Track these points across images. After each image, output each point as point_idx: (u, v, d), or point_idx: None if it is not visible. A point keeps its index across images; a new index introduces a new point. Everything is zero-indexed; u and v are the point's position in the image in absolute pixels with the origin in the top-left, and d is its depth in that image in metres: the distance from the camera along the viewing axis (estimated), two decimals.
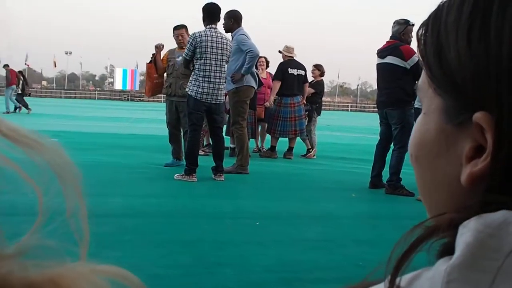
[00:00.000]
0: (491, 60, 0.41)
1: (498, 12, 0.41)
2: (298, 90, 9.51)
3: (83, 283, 0.33)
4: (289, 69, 9.38)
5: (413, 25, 6.49)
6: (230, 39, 7.10)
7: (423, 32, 0.49)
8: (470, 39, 0.42)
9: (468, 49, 0.42)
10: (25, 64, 68.94)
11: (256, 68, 9.99)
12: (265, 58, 10.19)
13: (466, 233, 0.39)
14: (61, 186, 0.35)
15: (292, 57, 9.60)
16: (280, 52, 9.76)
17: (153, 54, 7.93)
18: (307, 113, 9.99)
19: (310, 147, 10.11)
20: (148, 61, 8.02)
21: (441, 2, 0.48)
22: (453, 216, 0.42)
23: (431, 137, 0.48)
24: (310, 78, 10.34)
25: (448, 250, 0.40)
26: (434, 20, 0.47)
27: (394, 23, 6.57)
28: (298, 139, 10.12)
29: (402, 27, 6.45)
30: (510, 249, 0.36)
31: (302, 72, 9.56)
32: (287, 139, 9.86)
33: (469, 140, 0.43)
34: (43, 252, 0.34)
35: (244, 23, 7.39)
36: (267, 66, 10.39)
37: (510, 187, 0.41)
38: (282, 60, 9.69)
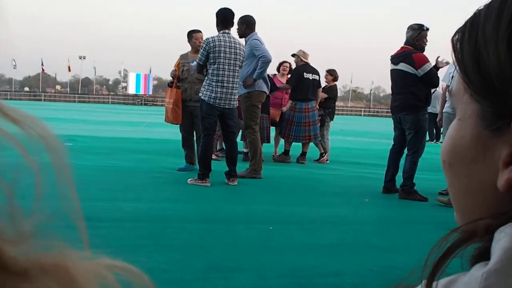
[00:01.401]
0: None
1: None
2: (312, 95, 9.51)
3: (93, 276, 0.34)
4: (304, 73, 9.38)
5: (427, 29, 6.46)
6: (244, 44, 7.12)
7: (459, 38, 0.49)
8: (511, 47, 0.43)
9: (509, 58, 0.43)
10: (42, 69, 69.67)
11: (278, 71, 10.03)
12: (289, 64, 10.22)
13: (503, 238, 0.39)
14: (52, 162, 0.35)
15: (307, 62, 9.61)
16: (293, 55, 9.76)
17: (171, 82, 7.91)
18: (320, 118, 9.98)
19: (323, 151, 10.09)
20: (170, 87, 7.94)
21: (478, 10, 0.48)
22: (490, 222, 0.42)
23: (467, 143, 0.48)
24: (323, 83, 10.35)
25: (482, 255, 0.41)
26: (471, 27, 0.48)
27: (408, 28, 6.55)
28: (311, 144, 10.11)
29: (416, 33, 6.43)
30: None
31: (317, 77, 9.56)
32: (300, 143, 9.87)
33: (507, 145, 0.44)
34: (45, 235, 0.34)
35: (256, 26, 7.42)
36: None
37: None
38: (295, 64, 9.73)
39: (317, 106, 9.73)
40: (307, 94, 9.41)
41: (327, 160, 10.01)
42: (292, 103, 9.54)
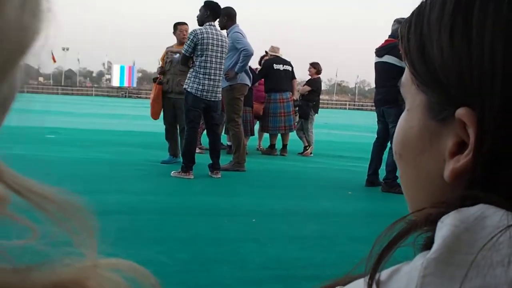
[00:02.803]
0: (473, 58, 0.42)
1: (480, 10, 0.42)
2: (286, 85, 9.55)
3: (107, 283, 0.33)
4: (274, 64, 9.44)
5: None
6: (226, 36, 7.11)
7: (406, 29, 0.49)
8: (453, 37, 0.43)
9: (451, 47, 0.43)
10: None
11: (260, 64, 10.00)
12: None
13: (443, 227, 0.39)
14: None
15: (277, 55, 9.68)
16: (266, 52, 9.90)
17: (156, 78, 7.90)
18: (297, 109, 10.02)
19: (307, 144, 10.12)
20: (155, 82, 7.97)
21: (424, 0, 0.48)
22: (431, 211, 0.42)
23: (415, 134, 0.48)
24: (306, 76, 10.40)
25: (430, 244, 0.41)
26: (417, 17, 0.48)
27: (394, 21, 6.58)
28: (294, 136, 10.15)
29: None
30: (484, 243, 0.37)
31: (289, 68, 9.61)
32: (282, 137, 9.92)
33: (452, 136, 0.44)
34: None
35: (240, 22, 7.40)
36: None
37: (491, 182, 0.42)
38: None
39: (293, 97, 9.77)
40: (280, 84, 9.44)
41: (311, 153, 10.04)
42: (267, 95, 9.58)
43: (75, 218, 0.33)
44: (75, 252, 0.34)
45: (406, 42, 0.49)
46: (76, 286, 0.31)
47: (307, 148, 10.09)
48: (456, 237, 0.38)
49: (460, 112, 0.42)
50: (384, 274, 0.41)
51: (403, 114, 0.51)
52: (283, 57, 9.81)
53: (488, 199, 0.40)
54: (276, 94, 9.49)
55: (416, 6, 0.49)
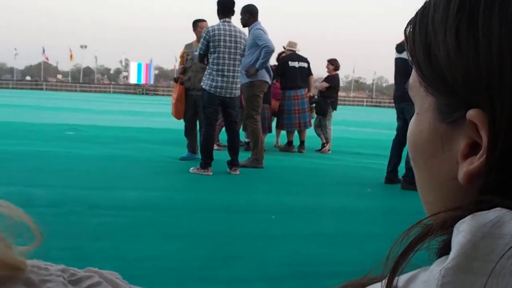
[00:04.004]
0: (481, 59, 0.41)
1: (485, 11, 0.41)
2: (302, 82, 9.55)
3: None
4: (289, 62, 9.45)
5: None
6: (247, 33, 7.11)
7: (411, 30, 0.48)
8: (459, 38, 0.42)
9: (458, 48, 0.42)
10: (45, 58, 69.57)
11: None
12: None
13: (460, 233, 0.38)
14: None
15: (294, 51, 9.67)
16: (284, 48, 9.88)
17: (178, 78, 7.93)
18: (314, 105, 10.01)
19: (325, 141, 10.10)
20: (176, 81, 8.00)
21: (428, 0, 0.47)
22: (447, 215, 0.41)
23: (425, 138, 0.48)
24: (324, 73, 10.36)
25: (446, 248, 0.40)
26: (421, 18, 0.47)
27: None
28: (312, 133, 10.13)
29: None
30: (503, 251, 0.36)
31: (305, 65, 9.59)
32: (299, 133, 9.92)
33: (464, 137, 0.43)
34: None
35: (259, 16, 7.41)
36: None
37: (507, 184, 0.41)
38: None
39: (309, 94, 9.76)
40: (295, 81, 9.45)
41: (329, 150, 10.01)
42: (282, 93, 9.60)
43: None
44: None
45: (411, 44, 0.48)
46: None
47: (325, 145, 10.07)
48: (473, 244, 0.37)
49: (471, 114, 0.41)
50: (400, 281, 0.41)
51: (413, 119, 0.51)
52: (300, 53, 9.79)
53: (504, 203, 0.39)
54: (290, 91, 9.49)
55: (420, 7, 0.49)
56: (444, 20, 0.44)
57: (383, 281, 0.42)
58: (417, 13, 0.48)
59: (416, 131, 0.49)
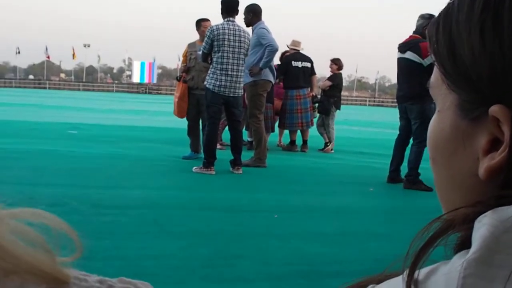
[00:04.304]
0: (506, 57, 0.42)
1: (510, 10, 0.42)
2: (304, 82, 9.56)
3: (13, 233, 0.33)
4: (292, 61, 9.46)
5: None
6: (251, 33, 7.12)
7: (435, 30, 0.49)
8: (484, 37, 0.43)
9: (482, 47, 0.43)
10: (46, 56, 69.62)
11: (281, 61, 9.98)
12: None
13: (482, 227, 0.39)
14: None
15: (298, 50, 9.66)
16: (287, 47, 9.88)
17: (181, 76, 7.92)
18: (316, 105, 10.01)
19: (327, 141, 10.10)
20: (179, 80, 7.98)
21: (451, 0, 0.48)
22: (468, 210, 0.42)
23: (447, 135, 0.48)
24: (327, 73, 10.36)
25: (464, 244, 0.41)
26: (445, 18, 0.48)
27: (419, 17, 6.53)
28: (314, 132, 10.13)
29: (426, 22, 6.39)
30: None
31: (308, 64, 9.59)
32: (302, 133, 9.93)
33: (485, 134, 0.44)
34: None
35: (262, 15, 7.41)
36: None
37: None
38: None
39: (312, 93, 9.76)
40: (297, 81, 9.47)
41: (331, 150, 10.01)
42: (284, 92, 9.61)
43: None
44: None
45: (434, 43, 0.49)
46: None
47: (328, 144, 10.07)
48: (495, 238, 0.38)
49: (494, 109, 0.42)
50: (421, 274, 0.42)
51: (434, 117, 0.51)
52: (303, 52, 9.78)
53: None
54: (293, 91, 9.51)
55: (444, 7, 0.50)
56: (468, 19, 0.45)
57: (404, 273, 0.42)
58: (440, 13, 0.50)
59: (437, 128, 0.50)
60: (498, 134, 0.43)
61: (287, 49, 9.96)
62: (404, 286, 0.42)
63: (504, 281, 0.36)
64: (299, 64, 9.44)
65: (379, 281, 0.49)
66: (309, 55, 9.73)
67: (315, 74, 9.91)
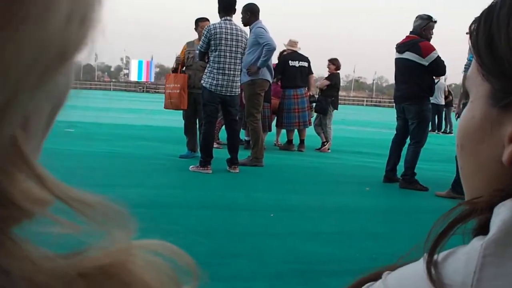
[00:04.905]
0: None
1: None
2: (301, 82, 9.57)
3: (150, 266, 0.33)
4: (289, 61, 9.46)
5: (435, 22, 6.45)
6: (248, 32, 7.12)
7: (476, 25, 0.52)
8: None
9: None
10: None
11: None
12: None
13: (502, 212, 0.40)
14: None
15: (295, 50, 9.66)
16: (285, 45, 9.88)
17: (176, 69, 7.89)
18: (313, 105, 10.02)
19: (325, 140, 10.11)
20: (173, 71, 7.94)
21: (495, 1, 0.51)
22: (491, 198, 0.43)
23: (476, 123, 0.50)
24: (325, 73, 10.37)
25: (482, 229, 0.42)
26: (487, 15, 0.50)
27: (416, 17, 6.53)
28: (312, 132, 10.14)
29: (424, 22, 6.41)
30: None
31: (305, 64, 9.59)
32: (299, 132, 9.94)
33: None
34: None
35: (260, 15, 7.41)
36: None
37: None
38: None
39: (309, 93, 9.77)
40: (295, 81, 9.47)
41: (328, 149, 10.02)
42: (282, 92, 9.61)
43: (115, 222, 0.33)
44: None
45: (474, 37, 0.51)
46: (121, 269, 0.31)
47: (325, 144, 10.07)
48: None
49: None
50: (440, 256, 0.43)
51: (467, 106, 0.53)
52: (300, 51, 9.78)
53: None
54: (290, 91, 9.51)
55: (487, 6, 0.52)
56: (509, 14, 0.47)
57: (424, 255, 0.44)
58: (482, 12, 0.52)
59: (468, 116, 0.52)
60: None
61: (285, 48, 9.96)
62: (424, 267, 0.43)
63: None
64: (296, 63, 9.45)
65: (396, 268, 0.50)
66: (307, 55, 9.74)
67: (312, 73, 9.92)
